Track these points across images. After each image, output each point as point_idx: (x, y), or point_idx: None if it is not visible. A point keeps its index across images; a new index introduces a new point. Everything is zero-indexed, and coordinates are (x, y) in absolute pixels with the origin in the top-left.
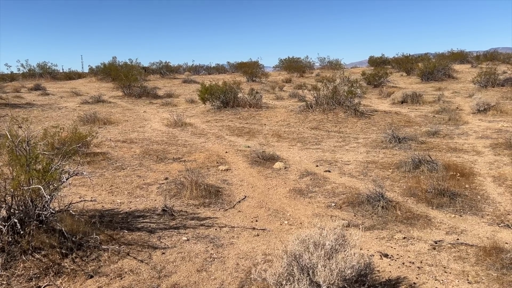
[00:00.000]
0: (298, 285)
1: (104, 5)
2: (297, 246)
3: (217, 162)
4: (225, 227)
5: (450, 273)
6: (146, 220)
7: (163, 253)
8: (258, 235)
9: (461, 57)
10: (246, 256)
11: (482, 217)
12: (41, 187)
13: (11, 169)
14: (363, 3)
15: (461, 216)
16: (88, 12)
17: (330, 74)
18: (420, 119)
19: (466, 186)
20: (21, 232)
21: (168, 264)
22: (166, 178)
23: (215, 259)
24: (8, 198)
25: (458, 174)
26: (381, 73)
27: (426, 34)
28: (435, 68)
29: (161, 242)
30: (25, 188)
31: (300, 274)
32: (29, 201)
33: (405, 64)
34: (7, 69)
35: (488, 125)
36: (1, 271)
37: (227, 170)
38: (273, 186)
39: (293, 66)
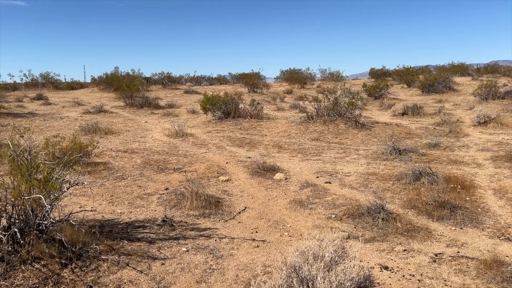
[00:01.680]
0: None
1: (107, 16)
2: (296, 257)
3: (218, 173)
4: (225, 238)
5: (450, 286)
6: (146, 231)
7: (163, 263)
8: (258, 246)
9: (462, 69)
10: (245, 267)
11: (482, 230)
12: (42, 197)
13: (12, 178)
14: (365, 15)
15: (461, 228)
16: (91, 22)
17: (331, 85)
18: (421, 131)
19: (467, 198)
20: (21, 241)
21: (168, 275)
22: (167, 189)
23: (215, 270)
24: (9, 207)
25: (459, 187)
26: (382, 85)
27: (427, 46)
28: (435, 80)
29: (160, 252)
30: (26, 197)
31: (300, 286)
32: (29, 210)
33: (406, 76)
34: (10, 78)
35: (489, 137)
36: (1, 281)
37: (227, 180)
38: (274, 197)
39: (294, 77)
